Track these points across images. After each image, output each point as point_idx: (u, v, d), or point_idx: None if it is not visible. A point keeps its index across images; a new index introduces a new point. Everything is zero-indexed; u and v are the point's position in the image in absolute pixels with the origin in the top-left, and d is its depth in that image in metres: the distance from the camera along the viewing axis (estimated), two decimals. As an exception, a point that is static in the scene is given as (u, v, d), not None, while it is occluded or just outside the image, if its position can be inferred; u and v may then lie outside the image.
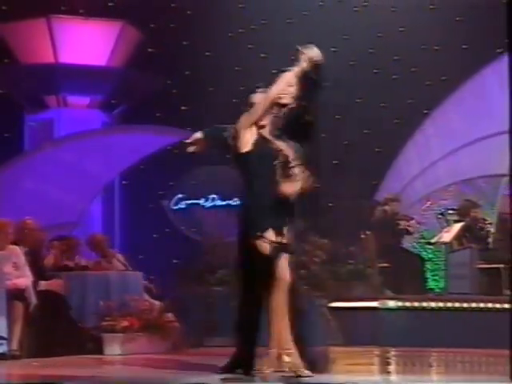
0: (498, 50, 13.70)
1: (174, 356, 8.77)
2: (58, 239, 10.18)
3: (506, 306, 10.71)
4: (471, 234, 12.02)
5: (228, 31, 13.62)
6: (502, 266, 11.73)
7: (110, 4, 13.34)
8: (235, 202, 12.82)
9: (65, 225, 11.78)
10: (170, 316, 9.58)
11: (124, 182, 13.57)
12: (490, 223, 12.37)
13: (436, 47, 13.74)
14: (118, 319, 9.13)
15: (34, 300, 8.72)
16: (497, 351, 9.18)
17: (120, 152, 12.60)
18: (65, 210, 11.93)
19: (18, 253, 8.79)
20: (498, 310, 10.67)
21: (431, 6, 13.77)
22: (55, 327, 8.85)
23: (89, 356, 8.78)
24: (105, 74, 13.30)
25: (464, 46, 13.59)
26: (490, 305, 10.74)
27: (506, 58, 13.60)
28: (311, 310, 10.38)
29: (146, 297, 9.78)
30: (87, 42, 13.20)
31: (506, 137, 13.11)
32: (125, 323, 9.11)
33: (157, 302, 9.68)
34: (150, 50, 13.49)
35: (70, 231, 11.30)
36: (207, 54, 13.67)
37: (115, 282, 9.66)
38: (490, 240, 12.12)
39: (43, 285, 9.01)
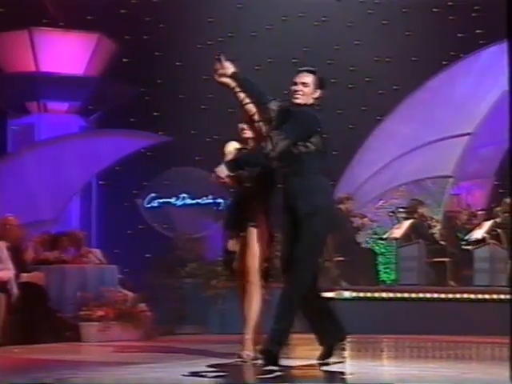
0: (444, 62, 13.84)
1: (146, 343, 8.76)
2: (38, 235, 10.13)
3: (451, 295, 10.81)
4: (419, 230, 12.08)
5: (197, 43, 13.59)
6: (447, 259, 11.82)
7: (87, 17, 13.27)
8: (204, 200, 12.80)
9: (44, 222, 11.71)
10: (142, 306, 9.55)
11: (100, 182, 13.50)
12: (436, 220, 12.45)
13: (388, 59, 13.80)
14: (94, 309, 9.11)
15: (15, 291, 8.68)
16: (442, 337, 9.28)
17: (97, 154, 12.55)
18: (44, 208, 11.85)
19: (1, 247, 8.73)
20: (443, 299, 10.76)
21: (384, 22, 13.84)
22: (35, 316, 8.79)
23: (67, 343, 8.74)
24: (82, 82, 13.22)
25: (413, 58, 13.67)
26: (436, 295, 10.82)
27: (451, 68, 13.78)
28: (274, 301, 10.41)
29: (121, 288, 9.74)
30: (66, 53, 13.10)
31: (451, 141, 13.33)
32: (100, 313, 9.09)
33: (130, 293, 9.64)
34: (124, 60, 13.42)
35: (49, 228, 11.23)
36: (178, 64, 13.63)
37: (92, 274, 9.63)
38: (437, 236, 12.20)
39: (24, 277, 8.96)
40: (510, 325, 5.71)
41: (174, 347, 8.13)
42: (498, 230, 11.75)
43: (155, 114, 13.56)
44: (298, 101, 6.14)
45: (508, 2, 5.34)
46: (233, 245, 6.32)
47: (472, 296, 10.67)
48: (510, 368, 5.04)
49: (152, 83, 13.47)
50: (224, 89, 13.79)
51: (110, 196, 13.27)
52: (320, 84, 6.21)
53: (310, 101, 6.17)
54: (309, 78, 6.17)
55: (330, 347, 6.19)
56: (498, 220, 11.85)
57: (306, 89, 6.14)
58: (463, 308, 10.48)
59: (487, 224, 11.86)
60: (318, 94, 6.20)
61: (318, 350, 6.27)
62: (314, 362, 6.22)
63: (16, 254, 9.02)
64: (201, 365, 6.32)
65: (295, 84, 6.17)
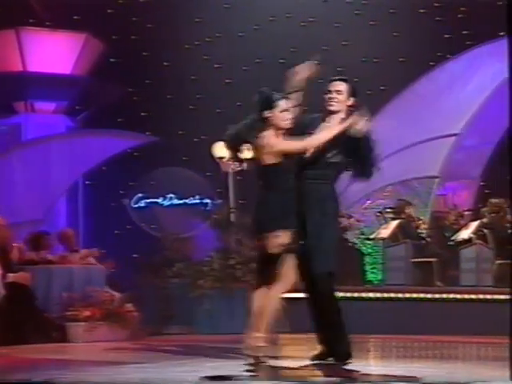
0: (431, 63, 13.88)
1: (133, 343, 8.75)
2: (25, 235, 10.10)
3: (437, 295, 10.85)
4: (406, 230, 12.12)
5: (185, 43, 13.60)
6: (433, 259, 11.85)
7: (74, 17, 13.24)
8: (191, 200, 12.80)
9: (31, 222, 11.68)
10: (129, 306, 9.53)
11: (87, 182, 13.48)
12: (423, 221, 12.49)
13: (375, 59, 13.83)
14: (80, 309, 9.08)
15: (2, 291, 8.64)
16: (429, 337, 9.31)
17: (84, 154, 12.54)
18: (31, 208, 11.83)
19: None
20: (430, 299, 10.79)
21: (371, 22, 13.88)
22: (22, 317, 8.76)
23: (53, 343, 8.72)
24: (70, 81, 13.19)
25: (401, 59, 13.71)
26: (422, 295, 10.85)
27: (438, 69, 13.84)
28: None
29: (107, 288, 9.73)
30: (53, 52, 13.08)
31: (438, 142, 13.38)
32: (87, 313, 9.07)
33: (117, 294, 9.62)
34: (112, 59, 13.40)
35: (36, 228, 11.21)
36: (166, 64, 13.62)
37: (79, 274, 9.61)
38: (423, 236, 12.24)
39: (11, 277, 8.92)
40: (509, 325, 5.71)
41: (161, 347, 8.13)
42: (485, 231, 11.80)
43: (143, 114, 13.55)
44: (332, 108, 6.38)
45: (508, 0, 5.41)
46: (286, 237, 6.12)
47: (458, 296, 10.71)
48: (510, 368, 5.04)
49: (140, 83, 13.46)
50: (211, 88, 13.79)
51: (97, 196, 13.25)
52: (353, 92, 6.44)
53: (344, 108, 6.40)
54: (342, 86, 6.43)
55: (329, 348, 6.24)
56: (484, 220, 11.90)
57: (340, 96, 6.39)
58: (450, 308, 10.52)
59: (474, 224, 11.90)
60: (351, 101, 6.44)
61: (307, 350, 6.27)
62: (308, 361, 6.23)
63: (2, 254, 8.99)
64: (189, 365, 6.32)
65: (329, 92, 6.41)
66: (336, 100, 6.35)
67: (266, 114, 6.14)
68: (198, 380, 5.37)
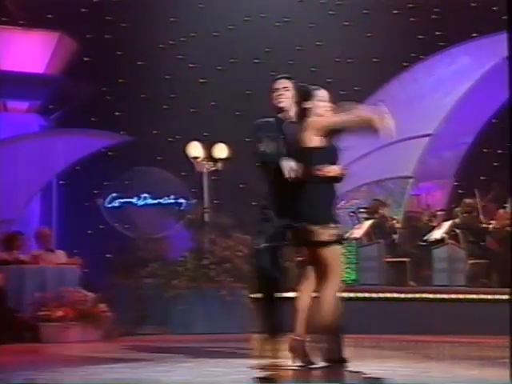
0: (404, 64, 13.96)
1: (106, 343, 8.73)
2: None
3: (410, 295, 10.90)
4: (380, 230, 12.16)
5: (159, 42, 13.57)
6: (406, 259, 11.91)
7: (48, 16, 13.18)
8: (165, 200, 12.76)
9: (4, 221, 11.61)
10: (103, 306, 9.50)
11: (61, 182, 13.41)
12: (396, 221, 12.54)
13: (349, 60, 13.88)
14: (53, 309, 9.04)
15: (-26, 292, 8.57)
16: (402, 336, 9.35)
17: (57, 154, 12.46)
18: (4, 207, 11.75)
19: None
20: (403, 299, 10.83)
21: (345, 23, 13.93)
22: (-6, 317, 8.71)
23: (26, 344, 8.67)
24: (43, 81, 13.12)
25: (375, 60, 13.77)
26: (396, 295, 10.90)
27: (412, 70, 13.92)
28: (235, 300, 10.44)
29: (81, 289, 9.69)
30: (27, 51, 12.99)
31: (411, 142, 13.44)
32: (60, 313, 9.03)
33: (90, 294, 9.58)
34: (86, 59, 13.35)
35: (9, 228, 11.15)
36: (140, 63, 13.59)
37: (52, 275, 9.56)
38: (397, 236, 12.28)
39: (-17, 278, 8.87)
40: (509, 325, 5.72)
41: (135, 347, 8.11)
42: (457, 231, 11.87)
43: (117, 113, 13.50)
44: (282, 104, 6.54)
45: None
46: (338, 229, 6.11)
47: (431, 296, 10.77)
48: (510, 368, 5.07)
49: (113, 82, 13.41)
50: (185, 88, 13.79)
51: (71, 196, 13.19)
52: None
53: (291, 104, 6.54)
54: (288, 83, 6.58)
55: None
56: (457, 220, 11.97)
57: (287, 92, 6.56)
58: (422, 307, 10.57)
59: (446, 224, 11.97)
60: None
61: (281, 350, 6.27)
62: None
63: (-25, 254, 8.94)
64: (163, 365, 6.30)
65: (276, 90, 6.59)
66: (284, 96, 6.52)
67: (307, 104, 6.26)
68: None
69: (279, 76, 6.72)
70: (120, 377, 5.80)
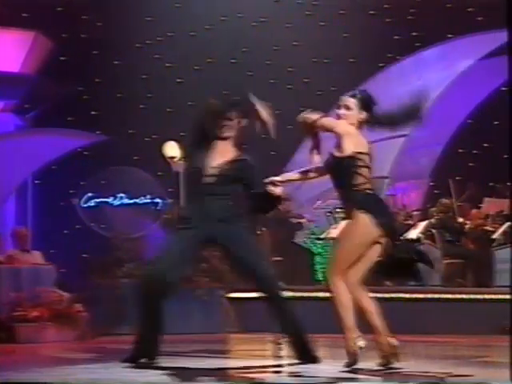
0: (381, 64, 14.02)
1: (82, 343, 8.70)
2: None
3: (386, 295, 10.93)
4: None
5: (136, 42, 13.54)
6: (382, 259, 11.94)
7: (23, 15, 13.11)
8: (142, 200, 12.74)
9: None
10: (78, 306, 9.47)
11: (36, 182, 13.35)
12: (372, 221, 12.56)
13: (326, 60, 13.93)
14: (29, 310, 9.00)
15: None
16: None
17: (33, 153, 12.41)
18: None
19: None
20: (379, 299, 10.84)
21: (321, 23, 13.97)
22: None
23: (1, 345, 8.63)
24: (18, 80, 13.05)
25: (351, 60, 13.82)
26: (371, 294, 10.89)
27: (388, 70, 13.98)
28: (211, 300, 10.44)
29: (57, 289, 9.65)
30: (1, 50, 12.93)
31: (387, 142, 13.48)
32: (35, 313, 9.00)
33: (66, 294, 9.55)
34: (61, 58, 13.30)
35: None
36: (116, 62, 13.55)
37: (27, 275, 9.51)
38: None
39: (-42, 278, 8.82)
40: (510, 325, 5.74)
41: (111, 347, 8.08)
42: (433, 230, 11.93)
43: (93, 113, 13.46)
44: (226, 134, 6.42)
45: None
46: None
47: (407, 295, 10.81)
48: (510, 368, 5.08)
49: (90, 82, 13.37)
50: (162, 87, 13.75)
51: (46, 195, 13.14)
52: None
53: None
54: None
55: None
56: (432, 220, 12.03)
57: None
58: (398, 307, 10.60)
59: (422, 224, 12.02)
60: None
61: (256, 350, 6.29)
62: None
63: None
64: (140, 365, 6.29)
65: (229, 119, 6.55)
66: (229, 126, 6.44)
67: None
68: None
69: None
70: (96, 377, 5.78)
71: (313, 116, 6.28)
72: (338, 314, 6.11)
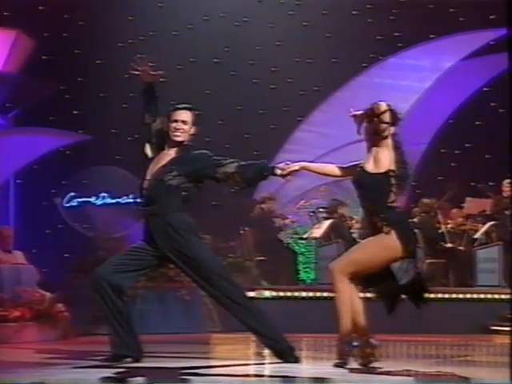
0: (363, 64, 14.03)
1: (63, 343, 8.66)
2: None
3: (369, 295, 10.93)
4: (339, 230, 12.21)
5: (118, 41, 13.48)
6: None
7: (5, 13, 13.03)
8: (124, 200, 12.69)
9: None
10: (60, 306, 9.42)
11: (18, 181, 13.28)
12: (356, 221, 12.59)
13: (309, 60, 13.92)
14: (10, 309, 8.95)
15: None
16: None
17: (15, 152, 12.35)
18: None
19: None
20: (362, 298, 10.85)
21: (304, 23, 13.96)
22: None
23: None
24: (0, 79, 12.98)
25: (334, 60, 13.82)
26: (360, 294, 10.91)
27: (370, 70, 14.00)
28: (194, 300, 10.41)
29: (38, 289, 9.60)
30: (-17, 49, 12.86)
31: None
32: (17, 313, 8.95)
33: (48, 294, 9.50)
34: (43, 57, 13.22)
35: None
36: (98, 62, 13.49)
37: (8, 274, 9.46)
38: (356, 235, 12.33)
39: None
40: (510, 325, 5.72)
41: (92, 348, 8.04)
42: (415, 230, 11.94)
43: (75, 112, 13.40)
44: (178, 139, 6.34)
45: None
46: None
47: (389, 295, 10.80)
48: (510, 368, 5.07)
49: (72, 81, 13.30)
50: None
51: (28, 195, 13.06)
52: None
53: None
54: (187, 116, 6.38)
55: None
56: (415, 220, 12.04)
57: (186, 126, 6.33)
58: (380, 307, 10.59)
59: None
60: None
61: (237, 350, 6.28)
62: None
63: None
64: (123, 366, 6.26)
65: (175, 122, 6.38)
66: (182, 131, 6.31)
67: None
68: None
69: (180, 106, 6.42)
70: (77, 377, 5.75)
71: (382, 107, 6.00)
72: (337, 312, 6.11)
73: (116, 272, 6.21)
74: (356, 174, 6.07)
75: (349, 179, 6.20)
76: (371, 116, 6.00)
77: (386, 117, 6.01)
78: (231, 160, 6.25)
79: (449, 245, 11.99)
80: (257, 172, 6.22)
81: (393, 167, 5.97)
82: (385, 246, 5.92)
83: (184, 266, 6.28)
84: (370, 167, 5.98)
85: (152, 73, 6.32)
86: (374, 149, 5.99)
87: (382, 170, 5.93)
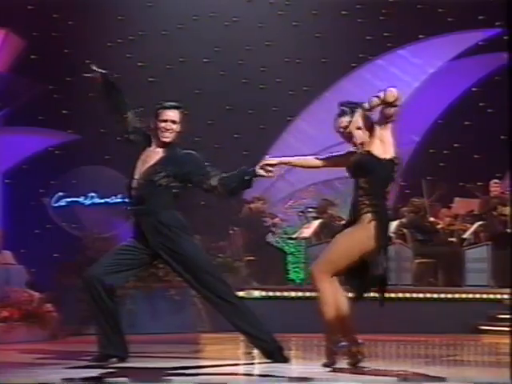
0: (353, 64, 14.05)
1: (52, 344, 8.63)
2: None
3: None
4: (328, 229, 12.21)
5: (107, 41, 13.46)
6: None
7: (-7, 13, 13.00)
8: (113, 199, 12.67)
9: None
10: (49, 306, 9.40)
11: (7, 181, 13.23)
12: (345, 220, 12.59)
13: (298, 60, 13.93)
14: (-2, 310, 8.93)
15: None
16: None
17: (3, 152, 12.30)
18: None
19: None
20: (351, 298, 10.86)
21: (294, 23, 13.97)
22: None
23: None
24: (-12, 78, 12.95)
25: (323, 60, 13.84)
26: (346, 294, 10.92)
27: (360, 70, 14.02)
28: (184, 300, 10.40)
29: (27, 288, 9.57)
30: (-28, 48, 12.82)
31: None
32: (5, 313, 8.91)
33: (37, 294, 9.47)
34: (32, 56, 13.18)
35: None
36: (88, 61, 13.43)
37: (-3, 275, 9.44)
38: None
39: None
40: (510, 325, 5.70)
41: (81, 348, 8.02)
42: (404, 230, 11.97)
43: (64, 111, 13.36)
44: (167, 140, 6.33)
45: None
46: None
47: (377, 295, 10.80)
48: (510, 368, 5.06)
49: (61, 81, 13.26)
50: (134, 87, 13.68)
51: (17, 195, 13.01)
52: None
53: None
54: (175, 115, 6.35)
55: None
56: (403, 220, 12.06)
57: (174, 126, 6.32)
58: (369, 306, 10.60)
59: (393, 224, 12.05)
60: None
61: (226, 350, 6.27)
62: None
63: None
64: (109, 365, 6.24)
65: (164, 121, 6.34)
66: (171, 131, 6.30)
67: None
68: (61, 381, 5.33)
69: (168, 105, 6.38)
70: (65, 376, 5.73)
71: (396, 92, 5.77)
72: (321, 313, 5.98)
73: (109, 273, 6.21)
74: (360, 158, 5.83)
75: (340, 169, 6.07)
76: (386, 102, 5.83)
77: (397, 102, 5.86)
78: (215, 172, 6.29)
79: (438, 245, 12.01)
80: (239, 181, 6.24)
81: (395, 155, 5.82)
82: (358, 239, 5.85)
83: (175, 263, 6.28)
84: (377, 151, 5.78)
85: (99, 73, 6.31)
86: (378, 131, 5.81)
87: (389, 156, 5.78)
